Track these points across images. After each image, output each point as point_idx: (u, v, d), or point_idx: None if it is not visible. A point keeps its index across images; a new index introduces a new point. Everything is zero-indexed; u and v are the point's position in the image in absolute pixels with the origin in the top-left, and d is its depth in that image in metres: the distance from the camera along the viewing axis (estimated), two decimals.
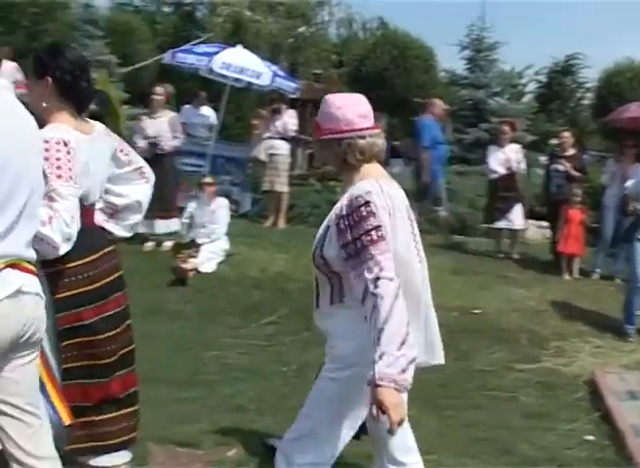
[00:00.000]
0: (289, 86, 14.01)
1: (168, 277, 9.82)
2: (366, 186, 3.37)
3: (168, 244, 11.14)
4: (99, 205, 4.12)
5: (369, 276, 3.20)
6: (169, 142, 11.18)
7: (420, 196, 13.09)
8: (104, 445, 4.02)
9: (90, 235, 3.88)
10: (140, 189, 4.31)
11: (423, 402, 6.40)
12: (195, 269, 10.05)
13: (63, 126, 3.76)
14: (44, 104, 3.83)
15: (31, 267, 3.24)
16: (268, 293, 9.62)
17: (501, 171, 12.69)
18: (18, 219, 3.12)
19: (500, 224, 12.78)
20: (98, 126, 4.02)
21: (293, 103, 15.06)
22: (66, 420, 3.70)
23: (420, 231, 3.71)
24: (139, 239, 11.06)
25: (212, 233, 10.53)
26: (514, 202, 12.67)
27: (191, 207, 10.85)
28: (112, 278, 3.99)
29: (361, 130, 3.49)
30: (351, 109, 3.50)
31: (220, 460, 5.14)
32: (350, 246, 3.28)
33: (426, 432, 5.80)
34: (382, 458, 3.82)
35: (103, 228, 4.14)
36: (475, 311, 9.40)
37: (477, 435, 5.88)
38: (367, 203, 3.29)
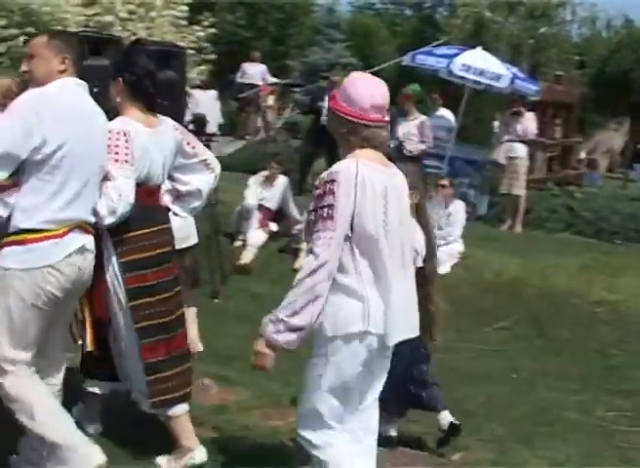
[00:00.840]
0: (529, 88, 13.80)
1: None
2: (341, 166, 3.66)
3: None
4: (165, 188, 4.76)
5: (309, 247, 3.63)
6: (415, 145, 11.27)
7: None
8: (174, 397, 4.52)
9: (152, 211, 4.54)
10: (204, 179, 4.86)
11: None
12: None
13: (127, 119, 4.40)
14: (118, 100, 4.52)
15: (91, 229, 4.10)
16: (502, 298, 9.53)
17: None
18: (81, 191, 3.99)
19: None
20: (167, 121, 4.63)
21: (533, 105, 14.81)
22: (90, 346, 4.37)
23: None
24: None
25: (448, 235, 10.54)
26: None
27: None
28: (166, 250, 4.58)
29: (370, 120, 3.72)
30: (369, 99, 3.73)
31: (443, 463, 5.16)
32: (312, 214, 3.66)
33: None
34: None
35: (168, 208, 4.78)
36: None
37: None
38: (332, 181, 3.60)
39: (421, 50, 15.01)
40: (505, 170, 13.52)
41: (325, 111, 13.60)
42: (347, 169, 3.62)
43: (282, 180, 10.58)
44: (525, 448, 5.39)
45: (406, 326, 3.83)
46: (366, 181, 3.61)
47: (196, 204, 4.93)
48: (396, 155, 11.36)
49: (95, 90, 7.36)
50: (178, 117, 8.08)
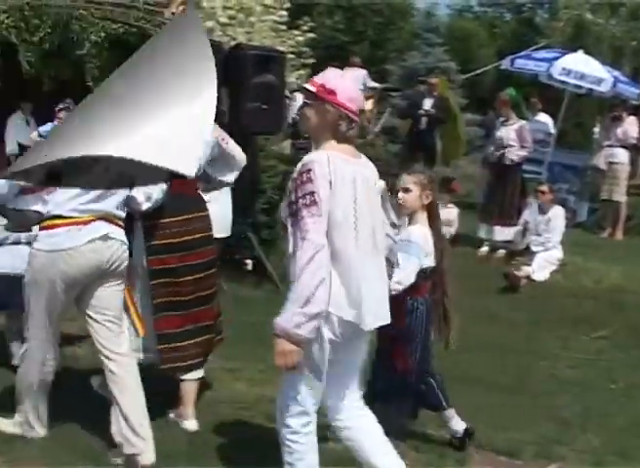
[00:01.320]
0: (631, 92, 13.57)
1: (499, 283, 9.86)
2: (313, 156, 3.80)
3: (502, 251, 11.15)
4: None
5: (299, 235, 3.66)
6: (516, 152, 11.14)
7: None
8: (184, 365, 5.02)
9: (183, 200, 4.94)
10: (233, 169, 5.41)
11: None
12: (528, 277, 10.03)
13: None
14: None
15: (118, 221, 4.52)
16: (601, 306, 9.37)
17: None
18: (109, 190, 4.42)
19: None
20: None
21: (635, 109, 14.53)
22: (140, 332, 4.83)
23: None
24: (474, 243, 11.22)
25: (547, 242, 10.41)
26: None
27: (526, 214, 10.80)
28: (198, 236, 4.99)
29: (359, 118, 3.96)
30: (361, 101, 3.99)
31: None
32: (292, 206, 3.74)
33: None
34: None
35: (198, 196, 5.17)
36: None
37: None
38: (308, 170, 3.72)
39: (520, 54, 14.89)
40: (606, 175, 13.30)
41: (423, 119, 13.61)
42: (319, 158, 3.78)
43: (378, 185, 10.57)
44: (621, 461, 5.28)
45: (380, 311, 3.95)
46: (337, 171, 3.78)
47: (223, 186, 5.63)
48: (496, 162, 11.28)
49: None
50: (277, 120, 8.25)
